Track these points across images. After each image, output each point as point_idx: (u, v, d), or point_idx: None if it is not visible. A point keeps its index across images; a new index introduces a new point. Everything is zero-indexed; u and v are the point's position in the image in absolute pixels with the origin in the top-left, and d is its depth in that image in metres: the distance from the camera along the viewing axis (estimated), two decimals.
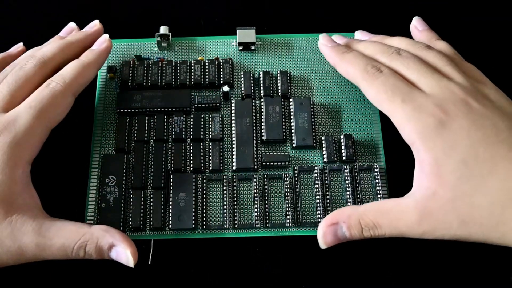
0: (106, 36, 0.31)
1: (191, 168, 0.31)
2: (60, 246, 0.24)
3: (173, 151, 0.32)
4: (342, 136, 0.32)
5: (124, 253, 0.25)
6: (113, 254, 0.25)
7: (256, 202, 0.31)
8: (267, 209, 0.31)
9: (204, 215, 0.30)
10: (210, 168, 0.31)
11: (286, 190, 0.31)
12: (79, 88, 0.29)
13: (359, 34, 0.34)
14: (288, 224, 0.30)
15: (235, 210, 0.30)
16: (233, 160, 0.31)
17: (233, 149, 0.32)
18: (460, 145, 0.24)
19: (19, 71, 0.28)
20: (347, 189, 0.31)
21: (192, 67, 0.34)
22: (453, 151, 0.24)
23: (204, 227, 0.30)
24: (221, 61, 0.34)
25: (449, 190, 0.24)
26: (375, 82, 0.27)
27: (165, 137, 0.32)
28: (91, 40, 0.31)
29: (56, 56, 0.29)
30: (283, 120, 0.32)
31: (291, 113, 0.33)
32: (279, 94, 0.33)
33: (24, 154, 0.26)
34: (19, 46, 0.32)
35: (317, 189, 0.31)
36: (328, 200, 0.31)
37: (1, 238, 0.24)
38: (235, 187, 0.31)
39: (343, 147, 0.32)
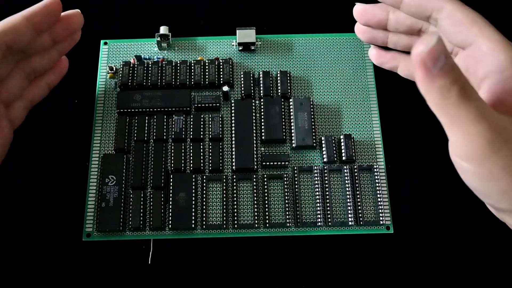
0: None
1: (191, 168, 0.31)
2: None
3: (173, 151, 0.32)
4: (342, 136, 0.32)
5: None
6: None
7: (255, 202, 0.31)
8: (266, 209, 0.31)
9: (204, 215, 0.30)
10: (210, 168, 0.31)
11: (286, 190, 0.31)
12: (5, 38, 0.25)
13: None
14: (288, 224, 0.30)
15: (235, 210, 0.30)
16: (233, 160, 0.31)
17: (233, 149, 0.32)
18: None
19: None
20: (347, 189, 0.31)
21: (192, 67, 0.34)
22: None
23: (204, 227, 0.30)
24: (221, 61, 0.34)
25: None
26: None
27: (165, 137, 0.32)
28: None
29: None
30: (283, 120, 0.32)
31: (291, 113, 0.33)
32: (279, 94, 0.33)
33: None
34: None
35: (317, 189, 0.31)
36: (328, 200, 0.31)
37: None
38: (234, 187, 0.31)
39: (343, 147, 0.32)
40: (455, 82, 0.19)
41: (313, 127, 0.32)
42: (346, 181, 0.31)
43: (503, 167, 0.20)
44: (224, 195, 0.31)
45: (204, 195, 0.31)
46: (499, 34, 0.23)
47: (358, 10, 0.29)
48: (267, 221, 0.30)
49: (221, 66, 0.34)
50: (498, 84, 0.22)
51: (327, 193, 0.31)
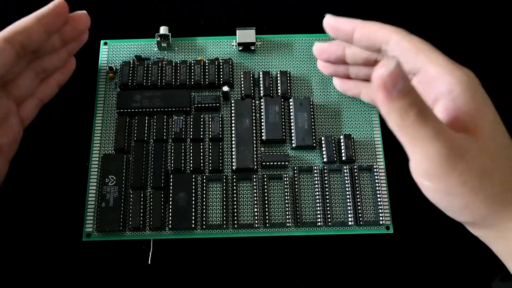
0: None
1: (191, 168, 0.31)
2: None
3: (173, 151, 0.32)
4: (341, 136, 0.32)
5: None
6: None
7: (255, 202, 0.31)
8: (266, 209, 0.31)
9: (204, 215, 0.30)
10: (210, 168, 0.31)
11: (286, 190, 0.31)
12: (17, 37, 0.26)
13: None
14: (288, 224, 0.30)
15: (235, 210, 0.30)
16: (233, 160, 0.31)
17: (233, 149, 0.32)
18: None
19: None
20: (347, 189, 0.31)
21: (192, 67, 0.34)
22: None
23: (203, 227, 0.30)
24: (221, 61, 0.34)
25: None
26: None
27: (165, 137, 0.32)
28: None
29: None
30: (283, 120, 0.32)
31: (291, 113, 0.33)
32: (279, 94, 0.33)
33: None
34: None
35: (317, 189, 0.31)
36: (327, 200, 0.31)
37: None
38: (234, 187, 0.31)
39: (342, 147, 0.32)
40: (413, 104, 0.20)
41: (313, 127, 0.32)
42: (346, 181, 0.31)
43: (460, 183, 0.21)
44: (224, 195, 0.31)
45: (204, 195, 0.31)
46: (444, 58, 0.24)
47: (317, 49, 0.31)
48: (267, 221, 0.30)
49: (221, 66, 0.34)
50: (448, 104, 0.23)
51: (327, 193, 0.31)
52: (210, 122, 0.33)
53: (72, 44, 0.30)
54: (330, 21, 0.28)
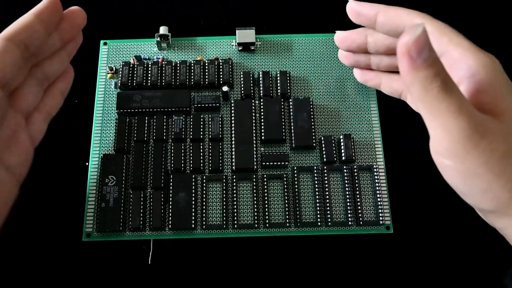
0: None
1: (191, 168, 0.31)
2: None
3: (172, 151, 0.32)
4: (341, 136, 0.32)
5: None
6: None
7: (255, 202, 0.31)
8: (266, 209, 0.31)
9: (204, 215, 0.30)
10: (210, 168, 0.31)
11: (286, 190, 0.31)
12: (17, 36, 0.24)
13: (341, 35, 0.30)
14: (288, 224, 0.30)
15: (235, 210, 0.30)
16: (233, 160, 0.31)
17: (233, 149, 0.32)
18: None
19: None
20: (347, 189, 0.31)
21: (192, 67, 0.34)
22: None
23: (203, 227, 0.30)
24: (220, 61, 0.34)
25: None
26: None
27: (164, 137, 0.32)
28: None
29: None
30: (283, 120, 0.32)
31: (291, 113, 0.33)
32: (279, 94, 0.33)
33: None
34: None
35: (317, 189, 0.31)
36: (327, 200, 0.31)
37: None
38: (234, 187, 0.31)
39: (342, 147, 0.32)
40: (438, 75, 0.19)
41: (312, 127, 0.32)
42: (346, 181, 0.31)
43: (482, 163, 0.21)
44: (224, 195, 0.31)
45: (204, 195, 0.31)
46: (468, 42, 0.23)
47: (339, 37, 0.30)
48: (266, 221, 0.30)
49: (220, 66, 0.34)
50: (471, 86, 0.23)
51: (326, 193, 0.31)
52: (210, 122, 0.33)
53: (71, 45, 0.29)
54: (353, 6, 0.28)
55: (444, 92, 0.20)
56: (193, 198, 0.30)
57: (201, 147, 0.32)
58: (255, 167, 0.31)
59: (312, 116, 0.32)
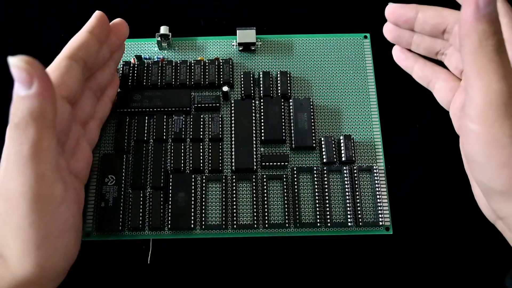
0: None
1: (191, 168, 0.31)
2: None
3: (172, 151, 0.32)
4: (341, 137, 0.32)
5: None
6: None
7: (255, 202, 0.31)
8: (266, 210, 0.31)
9: (203, 215, 0.30)
10: (210, 168, 0.31)
11: (285, 190, 0.31)
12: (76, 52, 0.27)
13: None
14: (287, 225, 0.30)
15: (234, 210, 0.30)
16: (232, 160, 0.31)
17: (233, 149, 0.32)
18: None
19: None
20: (346, 190, 0.31)
21: (192, 67, 0.34)
22: None
23: (203, 227, 0.30)
24: (221, 61, 0.34)
25: None
26: None
27: (164, 137, 0.32)
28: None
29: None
30: (283, 120, 0.32)
31: (291, 114, 0.33)
32: (279, 94, 0.33)
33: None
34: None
35: (317, 190, 0.31)
36: (327, 201, 0.31)
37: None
38: (234, 187, 0.31)
39: (342, 148, 0.32)
40: (495, 34, 0.20)
41: (312, 127, 0.32)
42: (346, 182, 0.31)
43: (510, 135, 0.20)
44: (224, 195, 0.31)
45: (204, 195, 0.31)
46: None
47: (390, 8, 0.30)
48: (266, 221, 0.30)
49: (221, 66, 0.34)
50: None
51: (326, 193, 0.31)
52: (210, 122, 0.33)
53: (117, 54, 0.31)
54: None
55: (497, 53, 0.20)
56: (193, 198, 0.30)
57: (201, 147, 0.32)
58: (255, 167, 0.31)
59: (312, 117, 0.32)
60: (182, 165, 0.31)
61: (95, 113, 0.30)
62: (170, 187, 0.31)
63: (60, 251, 0.24)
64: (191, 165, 0.31)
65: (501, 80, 0.20)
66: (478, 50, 0.20)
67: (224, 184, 0.31)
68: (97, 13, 0.28)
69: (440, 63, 0.29)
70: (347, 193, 0.31)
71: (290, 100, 0.33)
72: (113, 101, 0.32)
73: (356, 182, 0.31)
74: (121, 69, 0.34)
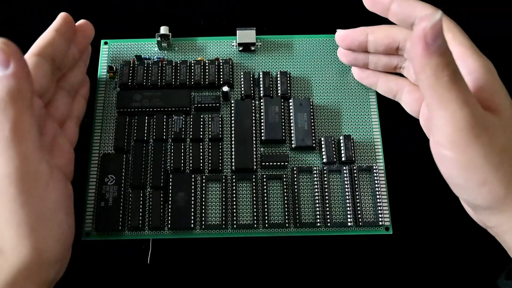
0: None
1: (190, 168, 0.31)
2: None
3: (172, 151, 0.32)
4: (341, 137, 0.32)
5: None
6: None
7: (255, 202, 0.31)
8: (266, 210, 0.31)
9: (203, 215, 0.30)
10: (210, 168, 0.31)
11: (285, 190, 0.31)
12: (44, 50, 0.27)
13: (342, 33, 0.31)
14: (287, 225, 0.30)
15: (234, 210, 0.30)
16: (232, 160, 0.31)
17: (233, 149, 0.32)
18: None
19: None
20: (346, 190, 0.31)
21: (192, 67, 0.34)
22: None
23: (203, 227, 0.30)
24: (221, 61, 0.34)
25: None
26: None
27: (164, 137, 0.32)
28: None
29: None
30: (283, 120, 0.32)
31: (291, 114, 0.33)
32: (279, 94, 0.33)
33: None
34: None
35: (316, 190, 0.31)
36: (327, 201, 0.31)
37: None
38: (234, 187, 0.31)
39: (342, 148, 0.32)
40: (449, 64, 0.20)
41: (312, 127, 0.32)
42: (346, 182, 0.31)
43: (482, 155, 0.21)
44: (224, 195, 0.31)
45: (204, 195, 0.31)
46: (469, 41, 0.25)
47: (340, 36, 0.31)
48: (266, 221, 0.30)
49: (221, 66, 0.34)
50: (470, 83, 0.23)
51: (326, 193, 0.31)
52: (210, 122, 0.33)
53: (86, 54, 0.32)
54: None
55: (454, 82, 0.20)
56: (193, 198, 0.30)
57: (201, 147, 0.32)
58: (255, 167, 0.31)
59: (312, 117, 0.32)
60: (182, 165, 0.31)
61: (72, 112, 0.30)
62: (170, 187, 0.30)
63: (54, 232, 0.24)
64: (191, 165, 0.31)
65: (462, 106, 0.21)
66: (435, 83, 0.21)
67: (224, 184, 0.31)
68: (62, 14, 0.29)
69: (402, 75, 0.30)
70: (347, 193, 0.31)
71: (290, 100, 0.33)
72: (87, 99, 0.32)
73: (356, 182, 0.31)
74: (121, 68, 0.34)
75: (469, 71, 0.24)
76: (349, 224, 0.30)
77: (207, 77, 0.34)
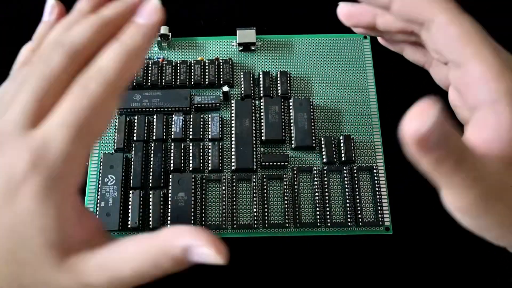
0: (155, 2, 0.22)
1: (191, 168, 0.31)
2: (131, 273, 0.20)
3: (172, 151, 0.32)
4: (341, 137, 0.32)
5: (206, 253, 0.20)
6: (195, 258, 0.20)
7: (255, 202, 0.31)
8: (266, 210, 0.31)
9: (203, 215, 0.30)
10: (210, 168, 0.31)
11: (285, 190, 0.31)
12: (125, 85, 0.20)
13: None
14: (287, 225, 0.30)
15: (234, 210, 0.30)
16: (233, 160, 0.31)
17: (233, 149, 0.32)
18: None
19: (45, 67, 0.19)
20: (346, 190, 0.31)
21: (192, 67, 0.34)
22: None
23: (203, 227, 0.30)
24: (221, 61, 0.34)
25: None
26: None
27: (164, 137, 0.32)
28: (131, 12, 0.22)
29: (91, 41, 0.20)
30: (283, 120, 0.32)
31: (291, 114, 0.33)
32: (279, 94, 0.33)
33: (67, 187, 0.19)
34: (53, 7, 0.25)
35: (316, 190, 0.31)
36: (327, 201, 0.31)
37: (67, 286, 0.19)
38: (234, 187, 0.31)
39: (342, 148, 0.32)
40: (451, 153, 0.16)
41: (312, 127, 0.32)
42: (346, 182, 0.31)
43: (496, 222, 0.19)
44: (224, 195, 0.31)
45: (204, 195, 0.31)
46: (495, 57, 0.19)
47: (344, 12, 0.25)
48: (266, 221, 0.30)
49: (221, 66, 0.34)
50: (489, 117, 0.19)
51: (326, 193, 0.31)
52: (210, 122, 0.33)
53: None
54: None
55: (457, 167, 0.17)
56: (193, 198, 0.30)
57: (201, 147, 0.32)
58: (255, 167, 0.31)
59: (312, 117, 0.32)
60: (182, 165, 0.31)
61: None
62: (170, 187, 0.30)
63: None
64: (191, 165, 0.31)
65: (471, 188, 0.17)
66: (434, 173, 0.17)
67: (224, 184, 0.31)
68: (158, 16, 0.23)
69: None
70: (347, 193, 0.31)
71: (290, 100, 0.33)
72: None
73: (356, 182, 0.31)
74: None
75: (491, 100, 0.18)
76: (349, 224, 0.30)
77: (207, 77, 0.34)
